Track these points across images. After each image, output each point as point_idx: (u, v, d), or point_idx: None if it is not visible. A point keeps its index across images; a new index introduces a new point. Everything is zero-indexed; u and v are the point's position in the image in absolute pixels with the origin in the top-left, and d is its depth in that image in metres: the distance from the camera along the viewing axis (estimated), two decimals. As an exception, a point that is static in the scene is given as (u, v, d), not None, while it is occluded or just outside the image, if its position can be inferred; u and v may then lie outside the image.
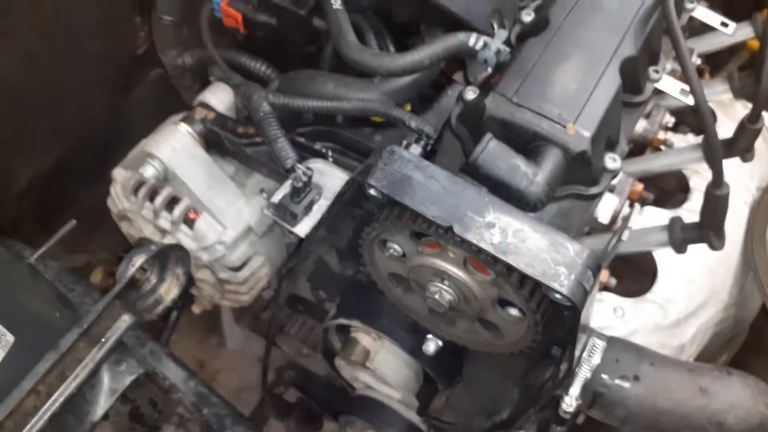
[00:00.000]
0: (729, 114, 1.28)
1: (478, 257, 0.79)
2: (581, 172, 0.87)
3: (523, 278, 0.79)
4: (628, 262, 1.22)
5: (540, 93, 0.84)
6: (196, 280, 1.22)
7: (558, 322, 0.88)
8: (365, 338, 1.15)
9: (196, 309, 1.38)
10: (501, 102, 0.84)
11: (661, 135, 1.21)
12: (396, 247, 0.92)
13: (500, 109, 0.84)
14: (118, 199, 1.19)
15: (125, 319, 0.90)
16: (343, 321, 1.15)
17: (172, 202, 1.12)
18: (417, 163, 0.80)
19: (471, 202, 0.78)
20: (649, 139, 1.22)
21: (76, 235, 1.69)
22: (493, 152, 0.81)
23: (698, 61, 1.29)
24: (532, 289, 0.79)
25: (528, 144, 0.85)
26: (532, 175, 0.81)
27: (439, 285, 0.88)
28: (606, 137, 0.90)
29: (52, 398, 0.84)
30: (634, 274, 1.19)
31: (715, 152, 0.89)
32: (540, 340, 0.88)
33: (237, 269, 1.16)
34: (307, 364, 1.46)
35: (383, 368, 1.13)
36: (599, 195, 0.91)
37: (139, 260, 0.87)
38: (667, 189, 1.29)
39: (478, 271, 0.85)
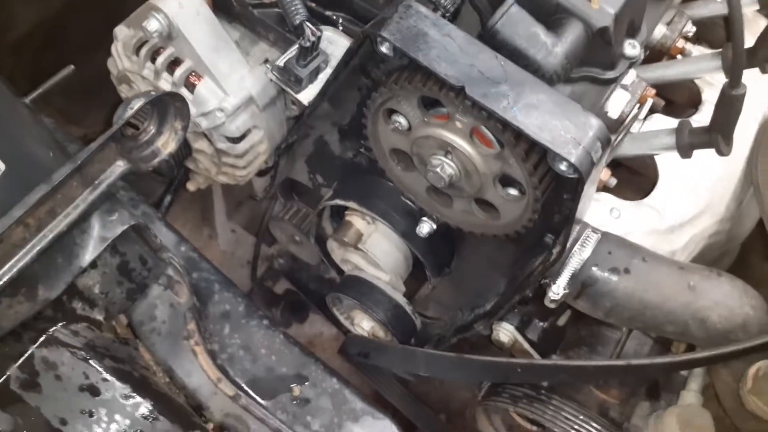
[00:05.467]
0: (752, 30, 1.23)
1: (486, 123, 0.78)
2: (600, 52, 0.85)
3: (530, 149, 0.77)
4: (629, 173, 1.21)
5: (567, -38, 0.81)
6: (194, 150, 1.20)
7: (556, 204, 0.88)
8: (359, 221, 1.15)
9: (191, 186, 1.37)
10: (526, -32, 0.81)
11: (680, 43, 1.18)
12: (401, 120, 0.90)
13: (524, -25, 0.81)
14: (119, 58, 1.15)
15: (120, 164, 0.88)
16: (339, 201, 1.14)
17: (173, 64, 1.09)
18: (434, 20, 0.77)
19: (486, 65, 0.75)
20: (668, 46, 1.18)
21: (73, 106, 1.65)
22: (513, 18, 0.78)
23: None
24: (537, 161, 0.78)
25: (549, 16, 0.81)
26: (551, 46, 0.78)
27: (442, 158, 0.87)
28: (629, 21, 0.87)
29: (42, 233, 0.83)
30: (635, 185, 1.18)
31: (738, 45, 0.86)
32: (536, 220, 0.88)
33: (236, 140, 1.14)
34: (298, 252, 1.46)
35: (374, 250, 1.14)
36: (614, 81, 0.88)
37: (137, 104, 0.85)
38: (678, 101, 1.27)
39: (483, 145, 0.84)
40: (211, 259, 2.26)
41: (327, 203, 1.17)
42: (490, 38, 0.79)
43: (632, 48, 0.87)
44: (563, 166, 0.75)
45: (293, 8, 0.92)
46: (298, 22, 0.91)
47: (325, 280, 1.62)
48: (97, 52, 1.35)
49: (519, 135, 0.76)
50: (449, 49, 0.76)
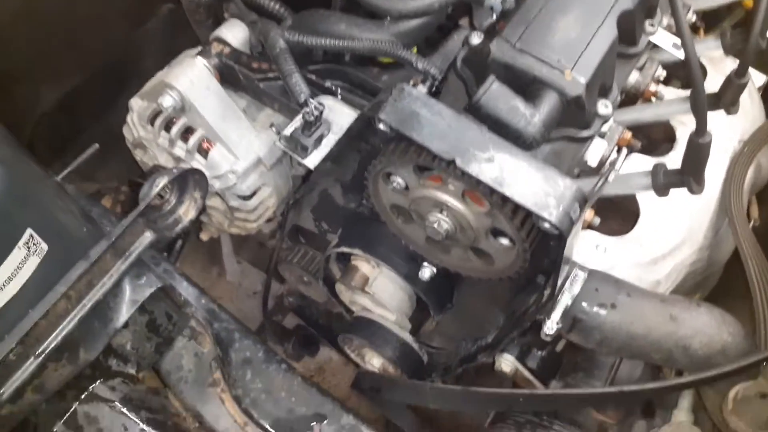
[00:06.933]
0: (719, 69, 1.34)
1: (476, 189, 0.87)
2: (575, 116, 0.94)
3: (516, 209, 0.87)
4: (613, 204, 1.30)
5: (541, 40, 0.90)
6: (207, 207, 1.29)
7: (544, 251, 0.97)
8: (364, 265, 1.24)
9: (204, 236, 1.46)
10: (505, 47, 0.90)
11: (653, 87, 1.27)
12: (399, 180, 0.99)
13: (504, 53, 0.90)
14: (135, 127, 1.24)
15: (147, 236, 0.98)
16: (345, 249, 1.23)
17: (186, 132, 1.18)
18: (425, 101, 0.87)
19: (473, 139, 0.85)
20: (641, 90, 1.27)
21: (87, 163, 1.75)
22: (495, 93, 0.87)
23: (693, 18, 1.34)
24: (523, 219, 0.88)
25: (527, 87, 0.91)
26: (530, 116, 0.88)
27: (438, 215, 0.96)
28: (600, 84, 0.96)
29: (81, 303, 0.92)
30: (618, 216, 1.27)
31: (700, 102, 0.95)
32: (527, 267, 0.97)
33: (247, 198, 1.23)
34: (306, 291, 1.55)
35: (380, 292, 1.23)
36: (590, 138, 0.98)
37: (162, 182, 0.94)
38: (654, 138, 1.36)
39: (474, 203, 0.93)
40: (221, 293, 2.35)
41: (333, 251, 1.26)
42: (476, 111, 0.89)
43: (605, 107, 0.97)
44: (546, 225, 0.84)
45: (297, 88, 1.01)
46: (302, 99, 1.00)
47: (333, 314, 1.70)
48: (108, 114, 1.45)
49: (505, 198, 0.85)
50: (439, 127, 0.85)
